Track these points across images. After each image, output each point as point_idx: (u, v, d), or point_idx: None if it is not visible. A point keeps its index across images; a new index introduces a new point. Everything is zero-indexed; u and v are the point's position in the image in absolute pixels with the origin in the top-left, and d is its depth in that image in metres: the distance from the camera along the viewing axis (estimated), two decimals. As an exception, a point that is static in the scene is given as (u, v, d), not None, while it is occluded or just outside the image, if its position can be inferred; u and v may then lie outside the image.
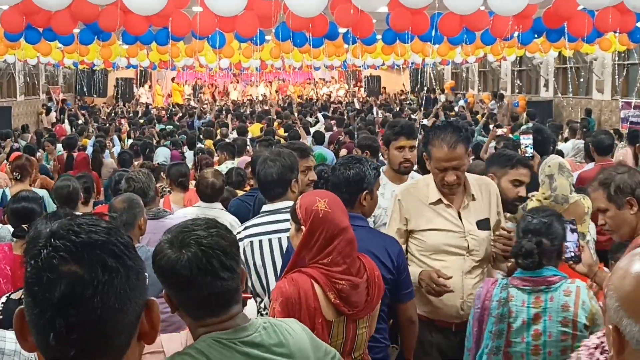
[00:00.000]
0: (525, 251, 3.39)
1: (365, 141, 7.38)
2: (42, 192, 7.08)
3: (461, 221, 3.93)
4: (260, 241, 3.98)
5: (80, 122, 21.55)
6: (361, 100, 32.32)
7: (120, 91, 33.56)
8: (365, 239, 3.41)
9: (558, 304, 3.34)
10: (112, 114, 26.37)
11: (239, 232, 4.11)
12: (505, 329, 3.42)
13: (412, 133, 4.93)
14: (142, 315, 1.45)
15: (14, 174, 7.41)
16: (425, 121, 18.01)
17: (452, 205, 3.95)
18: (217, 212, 5.36)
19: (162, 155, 11.99)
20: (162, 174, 8.24)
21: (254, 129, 16.03)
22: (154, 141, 14.64)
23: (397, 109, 25.11)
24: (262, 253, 3.98)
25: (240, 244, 3.97)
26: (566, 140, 13.25)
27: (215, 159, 10.48)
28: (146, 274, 1.48)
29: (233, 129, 15.69)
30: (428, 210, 3.94)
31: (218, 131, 15.59)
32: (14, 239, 4.67)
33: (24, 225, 4.49)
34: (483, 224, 3.94)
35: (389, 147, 4.89)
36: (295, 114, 21.04)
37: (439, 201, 3.93)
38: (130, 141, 14.79)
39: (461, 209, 3.95)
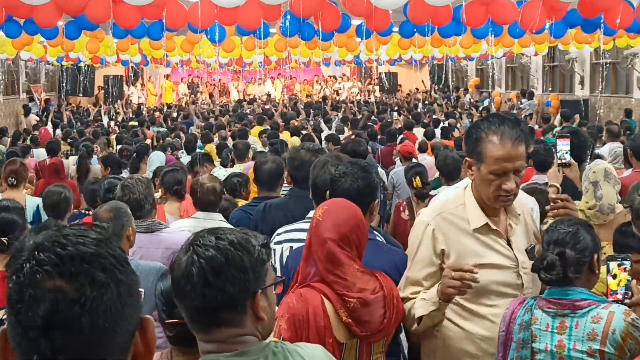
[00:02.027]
0: (546, 263, 3.20)
1: (351, 146, 7.30)
2: (38, 200, 7.19)
3: (512, 251, 3.38)
4: (301, 248, 3.96)
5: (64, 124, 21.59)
6: (377, 99, 32.27)
7: (110, 90, 33.57)
8: (373, 253, 3.40)
9: (584, 331, 3.16)
10: (99, 115, 26.38)
11: (279, 234, 4.19)
12: (528, 356, 3.26)
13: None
14: (136, 336, 1.45)
15: (10, 179, 7.50)
16: (447, 123, 17.99)
17: (498, 228, 3.37)
18: (218, 224, 5.31)
19: (156, 160, 11.97)
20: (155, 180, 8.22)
21: (254, 133, 15.98)
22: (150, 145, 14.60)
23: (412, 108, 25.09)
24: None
25: (279, 247, 4.10)
26: (604, 143, 13.18)
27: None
28: (141, 289, 1.48)
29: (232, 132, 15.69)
30: (472, 240, 3.32)
31: (215, 135, 15.59)
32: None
33: (3, 239, 4.49)
34: (531, 254, 3.38)
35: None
36: (303, 115, 21.02)
37: (486, 227, 3.33)
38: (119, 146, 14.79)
39: (510, 235, 3.40)
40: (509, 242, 3.38)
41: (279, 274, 4.07)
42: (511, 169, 3.21)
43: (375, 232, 3.75)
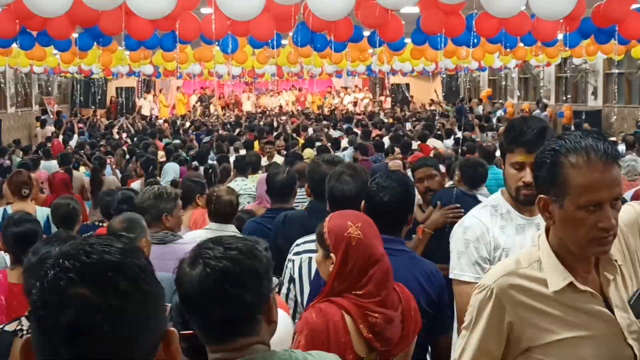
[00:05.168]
0: None
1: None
2: (47, 211, 7.20)
3: (613, 313, 2.40)
4: None
5: (75, 136, 21.70)
6: (386, 111, 32.26)
7: (123, 102, 33.71)
8: (409, 265, 3.44)
9: None
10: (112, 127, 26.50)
11: (298, 245, 4.19)
12: None
13: (537, 143, 3.11)
14: (160, 347, 1.45)
15: (24, 190, 7.51)
16: (460, 134, 17.97)
17: (588, 286, 2.41)
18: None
19: (171, 171, 11.98)
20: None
21: (256, 146, 15.98)
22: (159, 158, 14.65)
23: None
24: None
25: (298, 257, 4.10)
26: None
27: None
28: (168, 304, 1.48)
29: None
30: (553, 307, 2.39)
31: (231, 147, 15.67)
32: (9, 266, 4.67)
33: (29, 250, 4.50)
34: (637, 306, 2.45)
35: (505, 161, 3.48)
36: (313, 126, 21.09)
37: (571, 288, 2.38)
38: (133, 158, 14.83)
39: (606, 291, 2.43)
40: (606, 301, 2.42)
41: (297, 284, 4.09)
42: (607, 199, 2.34)
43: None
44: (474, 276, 3.37)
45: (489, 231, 3.43)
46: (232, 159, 12.36)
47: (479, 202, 5.51)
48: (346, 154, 13.71)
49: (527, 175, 3.27)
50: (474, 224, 3.48)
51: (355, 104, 36.33)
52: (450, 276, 3.51)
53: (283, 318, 3.37)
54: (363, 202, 3.79)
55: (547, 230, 2.47)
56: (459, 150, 12.79)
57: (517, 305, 2.39)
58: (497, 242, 3.39)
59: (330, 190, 4.13)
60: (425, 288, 3.46)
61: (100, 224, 7.19)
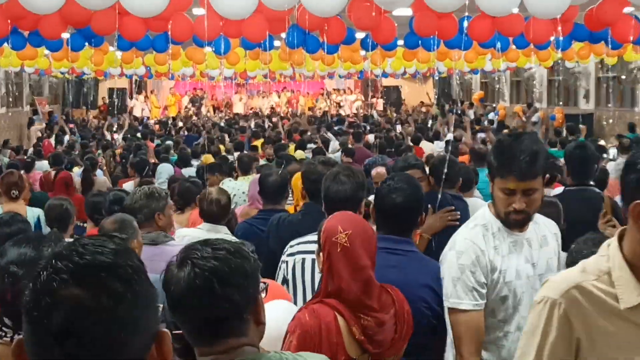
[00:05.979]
0: None
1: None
2: (38, 211, 7.18)
3: None
4: (314, 260, 3.91)
5: (67, 137, 21.64)
6: (379, 114, 32.25)
7: (115, 103, 33.62)
8: (418, 266, 3.47)
9: None
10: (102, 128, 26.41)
11: (292, 246, 4.21)
12: None
13: (529, 171, 3.22)
14: (152, 349, 1.44)
15: (13, 192, 7.48)
16: (450, 135, 17.99)
17: None
18: (222, 236, 5.31)
19: (165, 172, 11.93)
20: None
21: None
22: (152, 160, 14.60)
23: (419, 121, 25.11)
24: (314, 272, 4.00)
25: (291, 258, 4.12)
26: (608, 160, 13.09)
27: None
28: (159, 305, 1.47)
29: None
30: (624, 325, 2.17)
31: (220, 147, 15.65)
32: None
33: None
34: None
35: (493, 183, 3.41)
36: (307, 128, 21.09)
37: None
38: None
39: None
40: None
41: (291, 285, 4.10)
42: None
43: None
44: (472, 303, 3.28)
45: (484, 254, 3.32)
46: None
47: (464, 201, 5.54)
48: (337, 157, 13.69)
49: (518, 202, 3.24)
50: (468, 247, 3.34)
51: (339, 104, 36.31)
52: (447, 305, 3.37)
53: (287, 305, 3.39)
54: (372, 203, 3.83)
55: (619, 239, 2.23)
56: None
57: (586, 322, 2.18)
58: (493, 265, 3.32)
59: (326, 191, 4.15)
60: (434, 289, 3.47)
61: (82, 224, 7.17)
